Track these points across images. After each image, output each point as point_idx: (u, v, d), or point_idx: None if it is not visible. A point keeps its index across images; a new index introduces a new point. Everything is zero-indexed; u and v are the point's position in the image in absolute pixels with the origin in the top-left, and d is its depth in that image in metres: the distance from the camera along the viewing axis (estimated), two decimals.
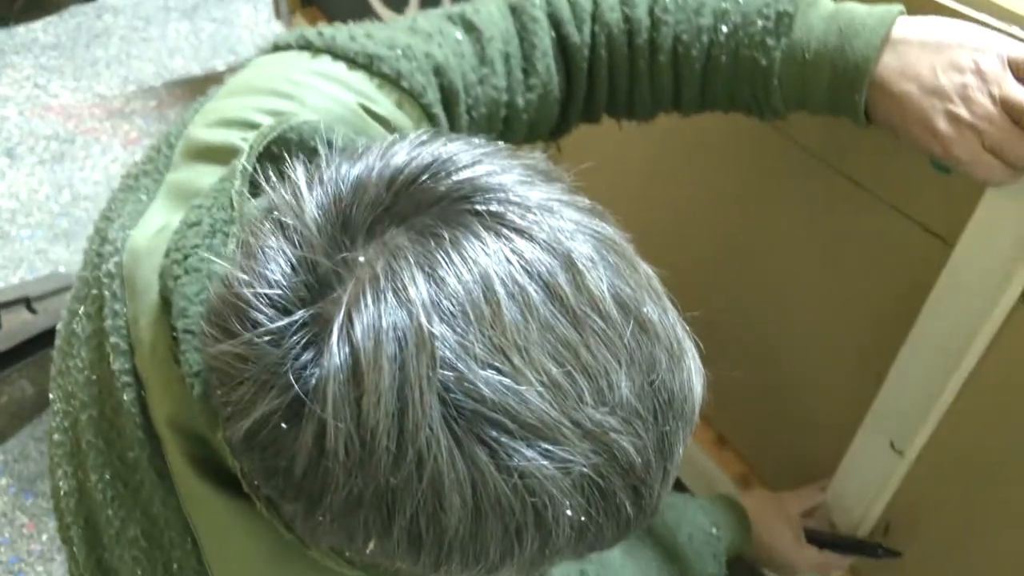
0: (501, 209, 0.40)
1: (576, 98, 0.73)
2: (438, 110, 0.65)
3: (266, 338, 0.39)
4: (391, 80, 0.62)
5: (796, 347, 1.00)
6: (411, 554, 0.41)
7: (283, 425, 0.39)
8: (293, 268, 0.40)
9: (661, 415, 0.42)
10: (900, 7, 0.64)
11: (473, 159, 0.43)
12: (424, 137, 0.44)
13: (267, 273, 0.40)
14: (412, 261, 0.38)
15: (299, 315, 0.39)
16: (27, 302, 1.47)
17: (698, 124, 0.95)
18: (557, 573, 0.72)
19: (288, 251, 0.40)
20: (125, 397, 0.51)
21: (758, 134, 0.90)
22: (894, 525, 0.96)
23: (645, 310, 0.41)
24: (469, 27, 0.68)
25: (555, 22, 0.69)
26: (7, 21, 2.51)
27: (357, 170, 0.42)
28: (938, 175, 0.68)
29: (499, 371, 0.38)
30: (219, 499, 0.49)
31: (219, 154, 0.56)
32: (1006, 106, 0.59)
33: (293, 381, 0.38)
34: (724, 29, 0.66)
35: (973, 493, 0.85)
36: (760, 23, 0.65)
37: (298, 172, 0.43)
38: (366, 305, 0.38)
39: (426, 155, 0.43)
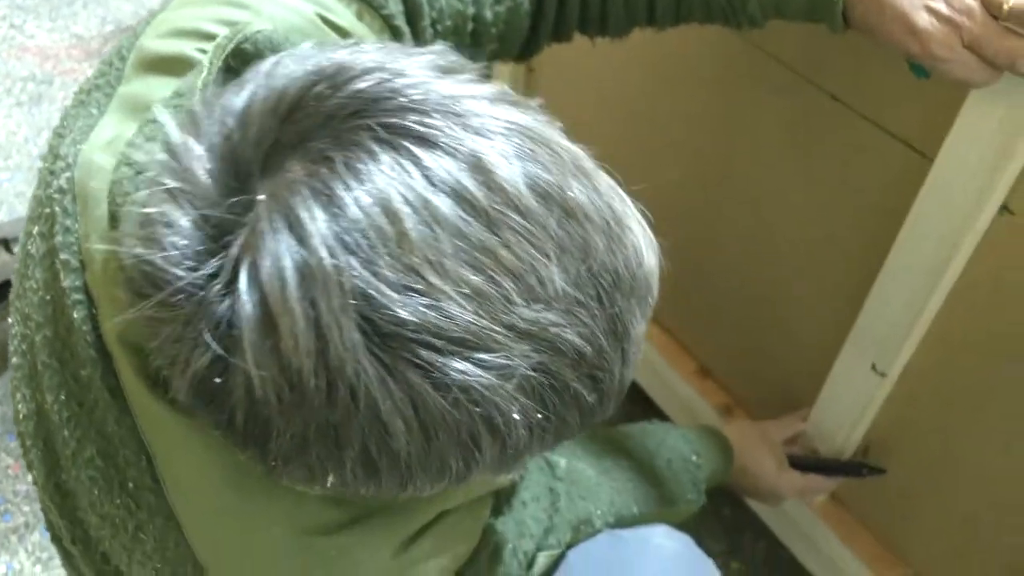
0: (396, 120, 0.39)
1: (547, 12, 0.71)
2: (400, 22, 0.63)
3: (180, 296, 0.38)
4: None
5: (777, 270, 0.99)
6: (372, 481, 0.41)
7: (216, 380, 0.39)
8: (193, 223, 0.39)
9: (607, 298, 0.41)
10: None
11: (362, 67, 0.41)
12: (307, 53, 0.42)
13: (168, 237, 0.39)
14: (307, 193, 0.37)
15: (208, 268, 0.38)
16: (5, 243, 1.45)
17: (676, 41, 0.93)
18: (526, 495, 0.71)
19: (184, 210, 0.39)
20: (76, 315, 0.50)
21: (737, 50, 0.88)
22: (874, 447, 0.95)
23: (571, 194, 0.40)
24: None
25: None
26: None
27: (241, 100, 0.41)
28: (917, 81, 0.66)
29: (414, 291, 0.37)
30: (172, 416, 0.48)
31: (172, 65, 0.54)
32: (985, 1, 0.58)
33: (212, 338, 0.38)
34: None
35: (954, 413, 0.84)
36: None
37: (188, 120, 0.41)
38: (267, 247, 0.37)
39: (310, 71, 0.41)
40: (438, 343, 0.37)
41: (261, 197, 0.38)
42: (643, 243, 0.44)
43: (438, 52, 0.44)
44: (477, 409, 0.39)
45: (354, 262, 0.37)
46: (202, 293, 0.38)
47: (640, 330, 0.44)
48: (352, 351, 0.37)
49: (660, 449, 0.88)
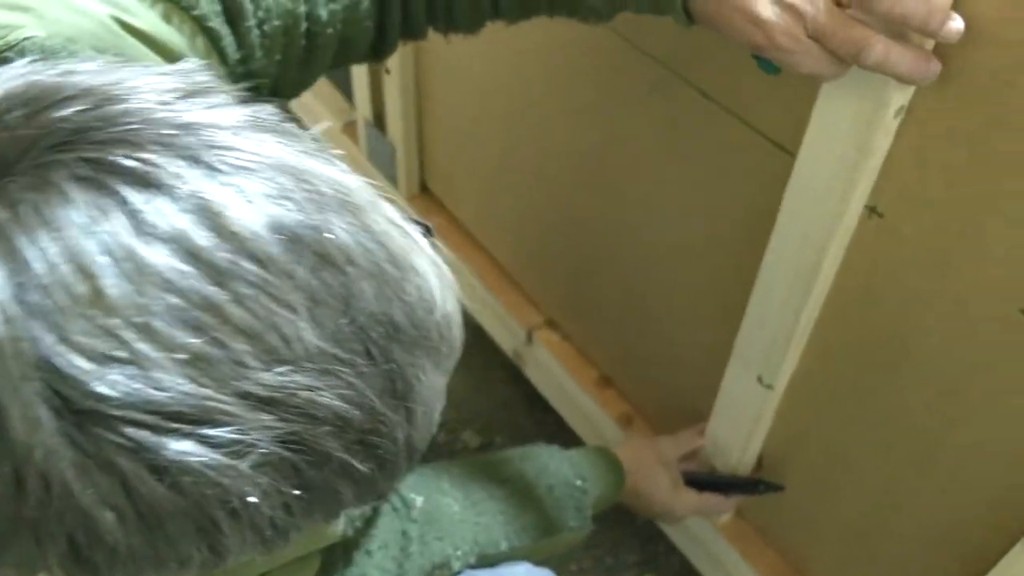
0: (103, 155, 0.32)
1: (391, 9, 0.65)
2: (216, 23, 0.57)
3: None
4: None
5: (665, 274, 0.94)
6: (93, 574, 0.35)
7: None
8: None
9: (380, 352, 0.35)
10: None
11: (71, 90, 0.34)
12: (17, 70, 0.36)
13: None
14: None
15: None
16: None
17: (554, 39, 0.89)
18: (373, 543, 0.65)
19: None
20: None
21: (612, 47, 0.83)
22: (769, 462, 0.91)
23: (329, 236, 0.34)
24: None
25: None
26: None
27: None
28: (768, 77, 0.61)
29: (116, 359, 0.31)
30: None
31: None
32: None
33: None
34: None
35: (838, 423, 0.80)
36: None
37: None
38: None
39: (7, 94, 0.34)
40: (150, 420, 0.31)
41: None
42: (435, 285, 0.38)
43: (183, 71, 0.38)
44: (207, 492, 0.32)
45: (38, 327, 0.30)
46: None
47: (434, 384, 0.39)
48: (40, 433, 0.30)
49: (541, 475, 0.82)
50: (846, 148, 0.62)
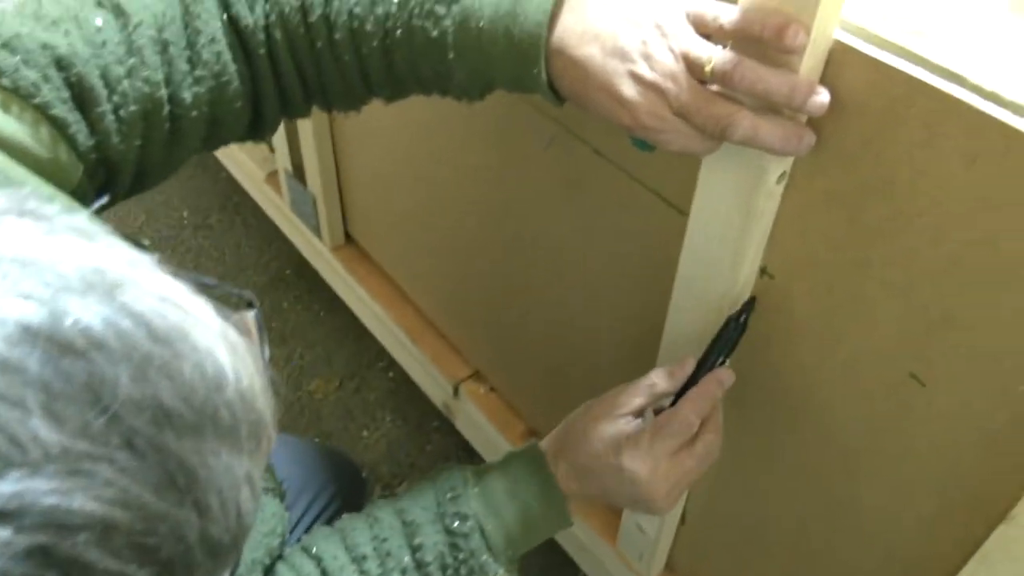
0: None
1: (265, 88, 0.63)
2: (62, 110, 0.54)
3: None
4: None
5: (579, 330, 0.93)
6: None
7: None
8: None
9: (147, 442, 0.32)
10: None
11: None
12: None
13: None
14: None
15: None
16: None
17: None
18: None
19: None
20: None
21: (508, 101, 0.82)
22: (690, 519, 0.90)
23: (69, 322, 0.31)
24: (118, 11, 0.57)
25: (224, 3, 0.60)
26: None
27: None
28: (642, 152, 0.60)
29: None
30: None
31: None
32: (688, 62, 0.51)
33: None
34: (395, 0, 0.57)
35: (757, 477, 0.79)
36: None
37: None
38: None
39: None
40: None
41: None
42: (225, 361, 0.34)
43: None
44: None
45: None
46: None
47: (233, 470, 0.35)
48: None
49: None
50: (732, 212, 0.61)
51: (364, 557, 0.64)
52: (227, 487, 0.34)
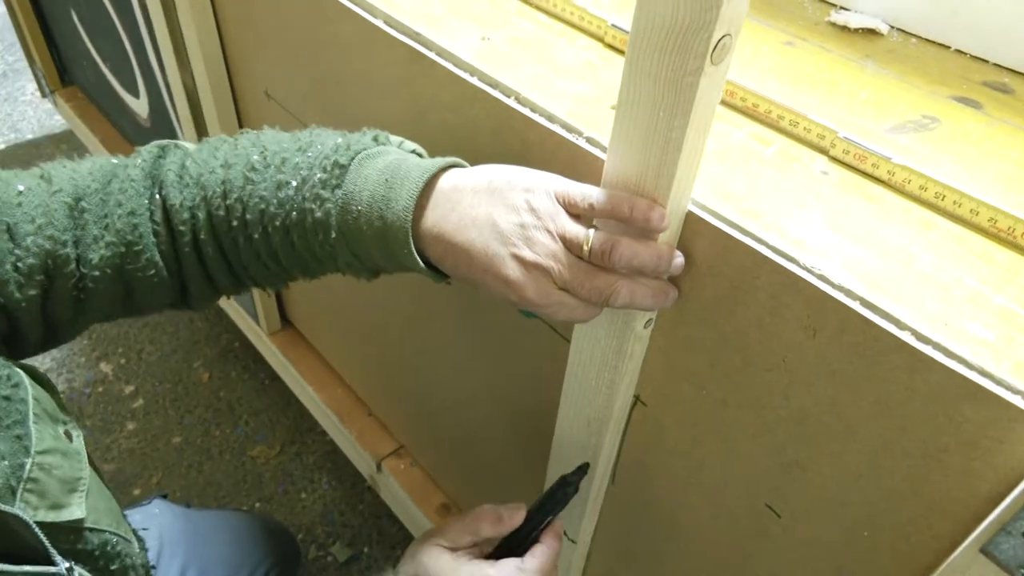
0: None
1: (189, 265, 0.59)
2: None
3: None
4: None
5: (484, 423, 0.88)
6: None
7: None
8: None
9: None
10: (453, 160, 0.54)
11: None
12: None
13: None
14: None
15: None
16: None
17: None
18: None
19: None
20: None
21: None
22: None
23: None
24: (46, 179, 0.57)
25: (158, 184, 0.58)
26: None
27: None
28: (527, 320, 0.56)
29: None
30: None
31: None
32: (566, 241, 0.48)
33: None
34: (294, 183, 0.55)
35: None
36: (319, 175, 0.54)
37: None
38: None
39: None
40: None
41: None
42: None
43: None
44: None
45: None
46: None
47: None
48: None
49: None
50: (606, 351, 0.57)
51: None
52: None
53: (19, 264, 0.53)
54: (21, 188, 0.55)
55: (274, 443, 1.54)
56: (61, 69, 1.88)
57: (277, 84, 0.91)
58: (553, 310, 0.50)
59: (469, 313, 0.79)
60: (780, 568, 0.57)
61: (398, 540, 1.39)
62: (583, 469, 0.64)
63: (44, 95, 1.92)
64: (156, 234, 0.57)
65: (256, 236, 0.57)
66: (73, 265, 0.55)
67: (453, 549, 0.60)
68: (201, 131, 1.13)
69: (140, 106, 1.48)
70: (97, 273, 0.55)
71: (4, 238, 0.52)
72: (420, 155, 0.57)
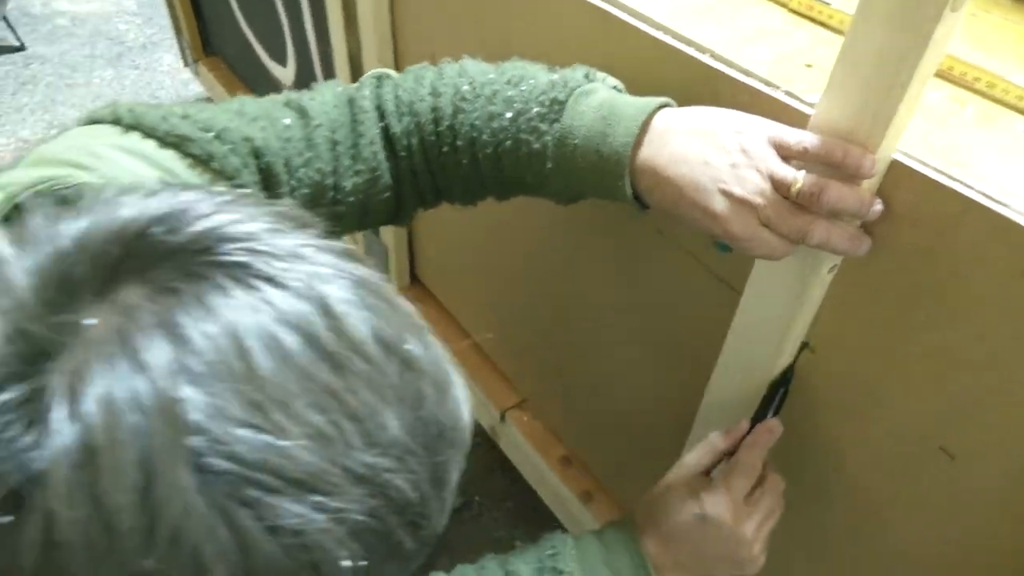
0: (247, 259, 0.32)
1: (404, 184, 0.64)
2: (253, 190, 0.56)
3: None
4: (202, 161, 0.53)
5: (625, 374, 0.91)
6: None
7: (4, 518, 0.29)
8: (6, 337, 0.29)
9: (432, 447, 0.35)
10: (664, 100, 0.56)
11: (213, 208, 0.34)
12: (156, 188, 0.35)
13: None
14: (148, 321, 0.30)
15: (13, 392, 0.29)
16: None
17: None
18: None
19: None
20: None
21: None
22: None
23: (408, 347, 0.34)
24: (302, 113, 0.60)
25: (381, 113, 0.62)
26: None
27: (79, 225, 0.32)
28: (721, 255, 0.59)
29: (258, 428, 0.30)
30: None
31: None
32: (775, 182, 0.51)
33: (12, 469, 0.28)
34: (508, 115, 0.58)
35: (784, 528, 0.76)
36: (536, 109, 0.57)
37: (17, 235, 0.33)
38: (94, 374, 0.28)
39: (159, 205, 0.34)
40: (276, 483, 0.30)
41: (92, 321, 0.29)
42: (462, 399, 0.38)
43: (285, 205, 0.37)
44: (307, 556, 0.31)
45: (196, 395, 0.29)
46: (9, 417, 0.29)
47: (455, 479, 0.38)
48: (182, 489, 0.29)
49: None
50: (784, 296, 0.59)
51: None
52: (452, 492, 0.38)
53: (294, 194, 0.59)
54: (287, 122, 0.59)
55: None
56: (204, 39, 1.97)
57: (444, 48, 0.95)
58: (753, 245, 0.52)
59: (626, 262, 0.81)
60: (948, 512, 0.58)
61: (508, 493, 1.43)
62: (791, 369, 0.64)
63: (186, 64, 2.01)
64: (387, 159, 0.62)
65: (465, 162, 0.61)
66: (331, 193, 0.60)
67: (695, 475, 0.63)
68: None
69: (285, 75, 1.55)
70: (351, 199, 0.60)
71: (282, 171, 0.58)
72: (619, 91, 0.60)
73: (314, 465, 0.30)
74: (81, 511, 0.28)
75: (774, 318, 0.61)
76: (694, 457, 0.64)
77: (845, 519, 0.68)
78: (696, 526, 0.60)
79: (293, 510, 0.30)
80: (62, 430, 0.28)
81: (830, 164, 0.49)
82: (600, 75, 0.60)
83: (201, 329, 0.30)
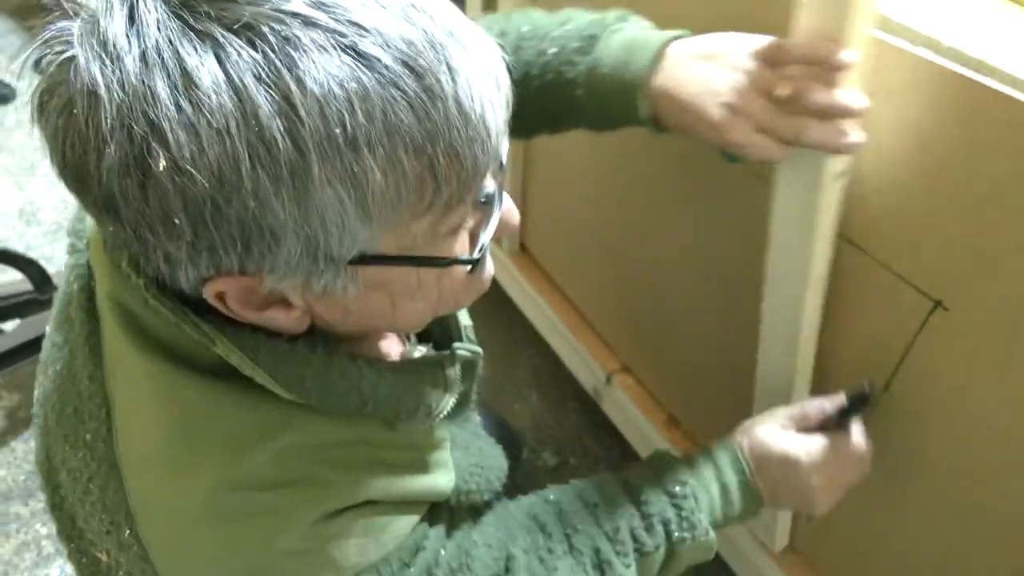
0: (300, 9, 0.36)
1: None
2: None
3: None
4: None
5: (728, 337, 0.91)
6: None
7: (72, 112, 0.35)
8: None
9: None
10: (682, 32, 0.63)
11: None
12: None
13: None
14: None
15: None
16: None
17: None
18: (478, 536, 0.57)
19: None
20: (76, 285, 0.49)
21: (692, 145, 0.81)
22: None
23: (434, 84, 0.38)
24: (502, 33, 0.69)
25: None
26: None
27: None
28: (730, 165, 0.63)
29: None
30: (139, 357, 0.45)
31: None
32: (766, 90, 0.57)
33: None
34: (552, 50, 0.65)
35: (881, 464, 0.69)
36: (574, 44, 0.65)
37: None
38: None
39: None
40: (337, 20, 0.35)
41: None
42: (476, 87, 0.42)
43: None
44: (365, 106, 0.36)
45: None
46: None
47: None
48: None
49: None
50: (812, 180, 0.61)
51: (596, 504, 0.63)
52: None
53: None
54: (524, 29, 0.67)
55: (489, 360, 1.63)
56: None
57: None
58: (751, 150, 0.57)
59: (707, 227, 0.82)
60: None
61: (602, 457, 1.45)
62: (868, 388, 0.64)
63: None
64: None
65: (520, 93, 0.64)
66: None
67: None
68: None
69: None
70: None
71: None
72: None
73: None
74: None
75: (806, 198, 0.63)
76: (803, 411, 0.67)
77: (955, 463, 0.65)
78: (786, 463, 0.64)
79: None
80: None
81: (815, 62, 0.54)
82: (635, 17, 0.66)
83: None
